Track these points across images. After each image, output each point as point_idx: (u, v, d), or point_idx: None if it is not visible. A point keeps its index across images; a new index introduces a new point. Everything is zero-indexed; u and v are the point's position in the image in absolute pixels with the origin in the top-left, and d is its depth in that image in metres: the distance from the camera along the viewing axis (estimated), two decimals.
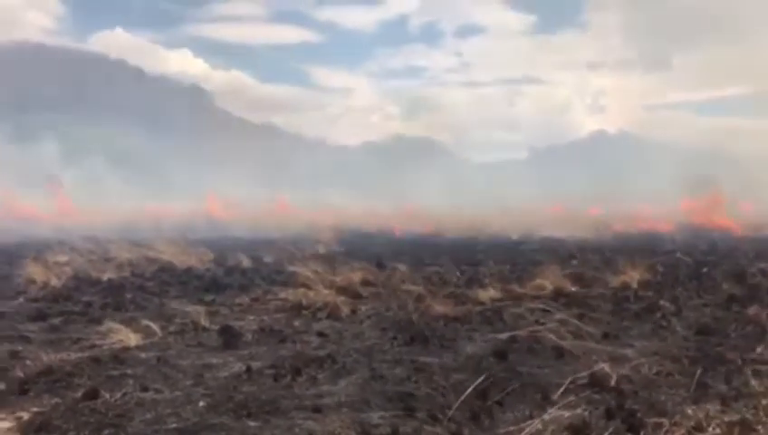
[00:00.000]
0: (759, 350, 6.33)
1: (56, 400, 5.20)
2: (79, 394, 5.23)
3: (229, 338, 7.37)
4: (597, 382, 5.42)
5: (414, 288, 10.58)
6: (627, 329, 7.95)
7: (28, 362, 6.26)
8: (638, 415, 4.56)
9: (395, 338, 7.37)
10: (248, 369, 6.02)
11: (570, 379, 5.40)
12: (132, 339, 7.22)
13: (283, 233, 30.69)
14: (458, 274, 13.49)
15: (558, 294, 10.35)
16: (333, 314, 8.97)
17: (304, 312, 9.18)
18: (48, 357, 6.33)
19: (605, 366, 5.61)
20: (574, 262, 15.86)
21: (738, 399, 4.95)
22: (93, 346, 7.06)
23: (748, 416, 4.40)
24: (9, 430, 4.64)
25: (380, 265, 13.87)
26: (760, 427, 4.21)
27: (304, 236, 26.99)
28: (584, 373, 5.56)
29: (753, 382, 5.17)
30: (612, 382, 5.40)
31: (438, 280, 12.48)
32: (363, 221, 40.66)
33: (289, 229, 32.86)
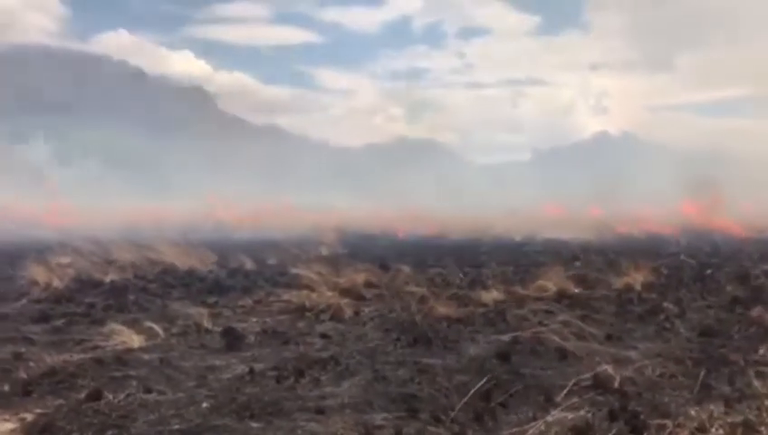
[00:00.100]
0: (762, 351, 6.31)
1: (60, 401, 5.20)
2: (82, 395, 5.23)
3: (232, 340, 7.37)
4: (600, 384, 5.41)
5: (417, 290, 10.57)
6: (630, 331, 7.94)
7: (31, 363, 6.27)
8: (642, 417, 4.55)
9: (398, 340, 7.36)
10: (251, 370, 6.02)
11: (573, 380, 5.40)
12: (135, 340, 7.23)
13: (286, 234, 30.70)
14: (461, 275, 13.49)
15: (561, 296, 10.35)
16: (336, 316, 8.97)
17: (307, 314, 9.18)
18: (51, 358, 6.35)
19: (608, 368, 5.59)
20: (577, 263, 15.86)
21: (741, 400, 4.94)
22: (96, 347, 7.07)
23: (751, 417, 4.39)
24: (13, 431, 4.64)
25: (384, 267, 13.87)
26: (763, 428, 4.20)
27: (307, 238, 26.97)
28: (587, 375, 5.55)
29: (756, 384, 5.16)
30: (616, 384, 5.39)
31: (442, 282, 12.48)
32: (366, 223, 40.69)
33: (292, 231, 32.87)
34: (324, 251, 20.25)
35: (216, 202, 50.44)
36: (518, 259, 17.76)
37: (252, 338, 7.64)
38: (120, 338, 7.24)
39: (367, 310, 9.47)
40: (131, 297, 10.58)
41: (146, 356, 6.72)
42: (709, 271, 13.88)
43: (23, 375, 5.83)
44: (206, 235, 31.61)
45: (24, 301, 10.40)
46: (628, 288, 11.18)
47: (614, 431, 4.39)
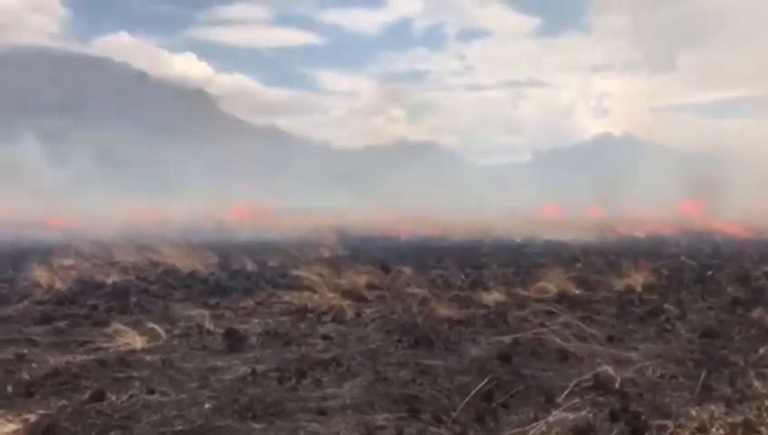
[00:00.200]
0: (762, 351, 6.32)
1: (63, 402, 5.22)
2: (85, 396, 5.25)
3: (234, 341, 7.39)
4: (601, 385, 5.42)
5: (418, 291, 10.59)
6: (631, 332, 7.96)
7: (34, 364, 6.29)
8: (643, 417, 4.57)
9: (399, 341, 7.38)
10: (253, 372, 6.04)
11: (574, 381, 5.41)
12: (138, 341, 7.25)
13: (287, 236, 30.75)
14: (462, 277, 13.50)
15: (562, 297, 10.36)
16: (338, 318, 8.98)
17: (309, 315, 9.19)
18: (54, 360, 6.37)
19: (609, 369, 5.61)
20: (578, 265, 15.88)
21: (742, 401, 4.96)
22: (99, 349, 7.09)
23: (751, 417, 4.41)
24: (16, 432, 4.65)
25: (385, 269, 13.88)
26: (763, 428, 4.22)
27: (308, 240, 27.00)
28: (588, 376, 5.57)
29: (757, 384, 5.18)
30: (617, 385, 5.41)
31: (443, 283, 12.50)
32: (367, 224, 40.72)
33: (293, 232, 32.92)
34: (326, 253, 20.26)
35: (217, 203, 50.50)
36: (519, 261, 17.77)
37: (254, 339, 7.66)
38: (122, 339, 7.27)
39: (368, 311, 9.48)
40: (133, 299, 10.61)
41: (148, 357, 6.74)
42: (710, 272, 13.90)
43: (25, 376, 5.85)
44: (207, 236, 31.67)
45: (26, 302, 10.41)
46: (629, 289, 11.20)
47: (615, 432, 4.41)
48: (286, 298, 10.26)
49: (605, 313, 9.17)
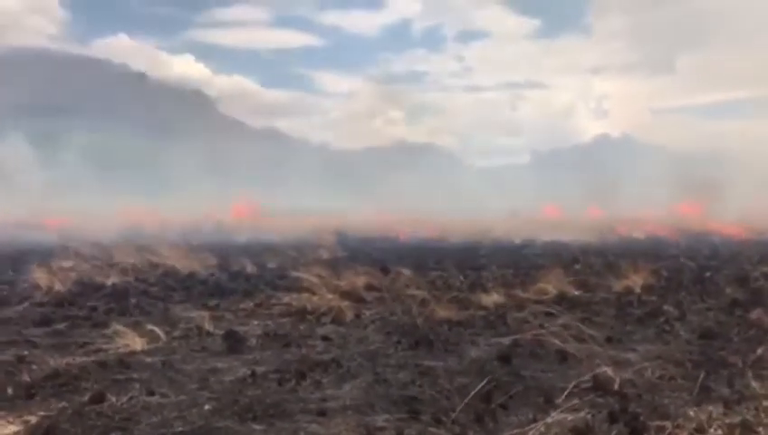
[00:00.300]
0: (760, 352, 6.34)
1: (63, 403, 5.22)
2: (85, 398, 5.26)
3: (234, 343, 7.40)
4: (600, 386, 5.44)
5: (418, 293, 10.60)
6: (630, 333, 7.97)
7: (34, 366, 6.29)
8: (641, 418, 4.58)
9: (399, 342, 7.39)
10: (253, 373, 6.05)
11: (573, 383, 5.43)
12: (138, 343, 7.26)
13: (286, 238, 30.76)
14: (462, 278, 13.51)
15: (561, 299, 10.38)
16: (338, 319, 9.00)
17: (308, 316, 9.20)
18: (54, 361, 6.37)
19: (608, 370, 5.63)
20: (577, 266, 15.90)
21: (740, 402, 4.98)
22: (99, 350, 7.09)
23: (749, 417, 4.43)
24: (16, 433, 4.66)
25: (384, 270, 13.90)
26: (761, 428, 4.23)
27: (307, 241, 27.02)
28: (587, 377, 5.58)
29: (755, 385, 5.19)
30: (615, 386, 5.42)
31: (442, 284, 12.50)
32: (366, 226, 40.73)
33: (292, 234, 32.93)
34: (325, 254, 20.28)
35: (216, 205, 50.50)
36: (518, 262, 17.79)
37: (253, 341, 7.66)
38: (122, 341, 7.27)
39: (368, 313, 9.49)
40: (133, 300, 10.61)
41: (148, 359, 6.74)
42: (708, 273, 13.93)
43: (26, 378, 5.85)
44: (206, 238, 31.69)
45: (26, 304, 10.41)
46: (628, 291, 11.22)
47: (614, 433, 4.43)
48: (286, 300, 10.27)
49: (604, 314, 9.19)
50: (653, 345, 7.26)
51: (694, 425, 4.41)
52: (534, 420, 4.67)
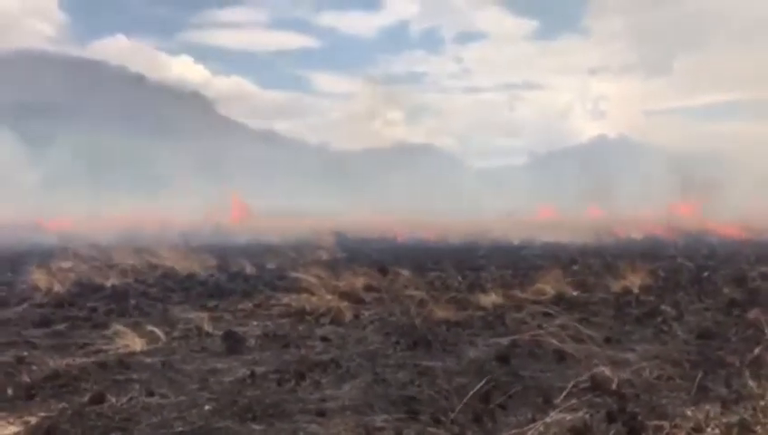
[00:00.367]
0: (757, 352, 6.36)
1: (63, 404, 5.24)
2: (85, 399, 5.27)
3: (233, 343, 7.42)
4: (598, 386, 5.46)
5: (416, 293, 10.61)
6: (628, 333, 7.99)
7: (34, 367, 6.31)
8: (639, 418, 4.60)
9: (398, 343, 7.41)
10: (252, 374, 6.07)
11: (571, 383, 5.44)
12: (137, 344, 7.27)
13: (285, 239, 30.78)
14: (460, 279, 13.53)
15: (559, 299, 10.40)
16: (336, 320, 9.01)
17: (307, 317, 9.22)
18: (54, 362, 6.38)
19: (606, 370, 5.65)
20: (575, 267, 15.92)
21: (738, 401, 5.00)
22: (99, 351, 7.10)
23: (747, 417, 4.45)
24: (17, 434, 4.68)
25: (383, 271, 13.91)
26: (758, 427, 4.26)
27: (306, 242, 27.04)
28: (586, 377, 5.60)
29: (752, 384, 5.21)
30: (614, 386, 5.44)
31: (441, 285, 12.52)
32: (365, 227, 40.74)
33: (291, 235, 32.94)
34: (324, 255, 20.29)
35: (215, 206, 50.50)
36: (516, 263, 17.82)
37: (252, 341, 7.68)
38: (122, 342, 7.29)
39: (367, 313, 9.51)
40: (132, 301, 10.63)
41: (148, 360, 6.76)
42: (706, 273, 13.96)
43: (26, 379, 5.87)
44: (205, 239, 31.71)
45: (25, 305, 10.43)
46: (626, 291, 11.24)
47: (612, 433, 4.44)
48: (285, 300, 10.28)
49: (602, 314, 9.21)
50: (651, 345, 7.29)
51: (691, 424, 4.43)
52: (533, 420, 4.69)
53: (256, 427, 4.73)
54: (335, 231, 34.64)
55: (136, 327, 7.93)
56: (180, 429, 4.68)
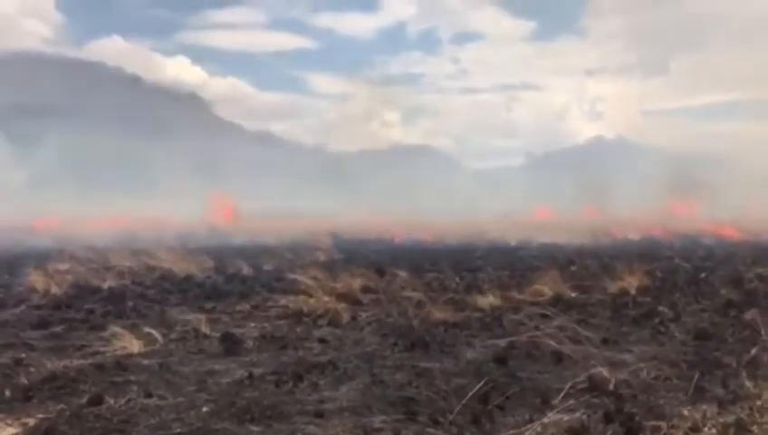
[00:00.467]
0: (754, 352, 6.38)
1: (61, 406, 5.24)
2: (83, 400, 5.27)
3: (230, 345, 7.42)
4: (596, 387, 5.47)
5: (414, 294, 10.62)
6: (625, 334, 8.01)
7: (32, 368, 6.31)
8: (637, 418, 4.62)
9: (395, 344, 7.42)
10: (250, 375, 6.08)
11: (569, 383, 5.46)
12: (135, 345, 7.27)
13: (282, 240, 30.76)
14: (458, 280, 13.53)
15: (557, 300, 10.40)
16: (334, 321, 9.01)
17: (305, 319, 9.22)
18: (52, 364, 6.38)
19: (604, 371, 5.66)
20: (573, 268, 15.93)
21: (735, 401, 5.01)
22: (96, 353, 7.11)
23: (743, 417, 4.47)
24: None
25: (380, 272, 13.91)
26: (755, 427, 4.27)
27: (303, 244, 27.03)
28: (583, 378, 5.61)
29: (749, 385, 5.23)
30: (611, 387, 5.45)
31: (438, 286, 12.52)
32: (362, 228, 40.75)
33: (287, 236, 32.92)
34: (321, 256, 20.29)
35: (211, 207, 50.47)
36: (514, 264, 17.82)
37: (250, 343, 7.68)
38: (119, 343, 7.29)
39: (364, 315, 9.51)
40: (130, 303, 10.62)
41: (145, 361, 6.76)
42: (703, 274, 13.98)
43: (24, 381, 5.87)
44: (201, 240, 31.69)
45: (23, 307, 10.42)
46: (624, 292, 11.25)
47: (609, 433, 4.46)
48: (282, 302, 10.28)
49: (599, 315, 9.22)
50: (648, 346, 7.30)
51: (689, 424, 4.44)
52: (531, 421, 4.70)
53: (254, 428, 4.74)
54: (332, 232, 34.63)
55: (133, 329, 7.93)
56: (179, 430, 4.69)
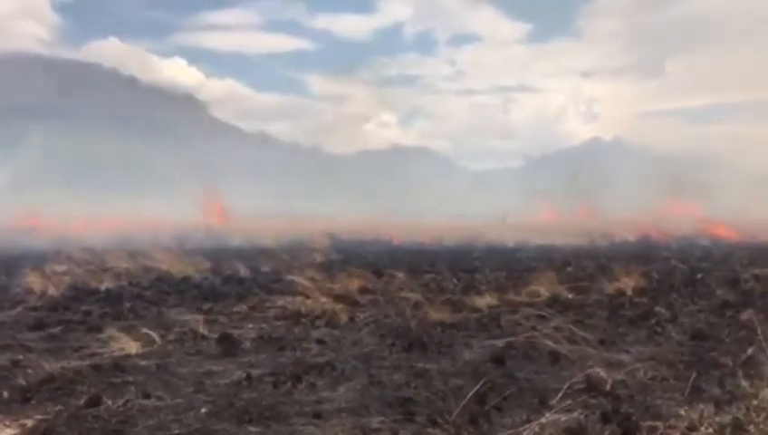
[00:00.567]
0: (750, 352, 6.40)
1: (59, 407, 5.24)
2: (81, 401, 5.27)
3: (228, 346, 7.42)
4: (593, 387, 5.48)
5: (411, 295, 10.64)
6: (622, 335, 8.03)
7: (29, 370, 6.30)
8: (634, 419, 4.63)
9: (393, 345, 7.43)
10: (248, 376, 6.08)
11: (566, 384, 5.47)
12: (132, 347, 7.27)
13: (280, 241, 30.76)
14: (455, 281, 13.55)
15: (554, 301, 10.42)
16: (332, 322, 9.02)
17: (303, 320, 9.22)
18: (49, 365, 6.37)
19: (601, 371, 5.67)
20: (569, 269, 15.96)
21: (731, 401, 5.03)
22: (94, 354, 7.10)
23: (740, 416, 4.48)
24: None
25: (378, 273, 13.93)
26: (751, 427, 4.29)
27: (300, 245, 27.03)
28: (580, 378, 5.63)
29: (745, 384, 5.25)
30: (608, 387, 5.47)
31: (435, 287, 12.54)
32: (359, 229, 40.75)
33: (285, 237, 32.91)
34: (318, 257, 20.29)
35: (208, 208, 50.41)
36: (511, 265, 17.85)
37: (248, 344, 7.69)
38: (117, 345, 7.29)
39: (362, 316, 9.51)
40: (127, 305, 10.60)
41: (143, 363, 6.76)
42: (700, 275, 14.01)
43: (21, 382, 5.87)
44: (198, 242, 31.66)
45: (20, 308, 10.40)
46: (620, 293, 11.28)
47: (607, 433, 4.47)
48: (280, 303, 10.29)
49: (596, 316, 9.24)
50: (645, 347, 7.32)
51: (685, 424, 4.46)
52: (528, 421, 4.71)
53: (253, 429, 4.74)
54: (329, 233, 34.63)
55: (131, 330, 7.93)
56: (177, 431, 4.69)
